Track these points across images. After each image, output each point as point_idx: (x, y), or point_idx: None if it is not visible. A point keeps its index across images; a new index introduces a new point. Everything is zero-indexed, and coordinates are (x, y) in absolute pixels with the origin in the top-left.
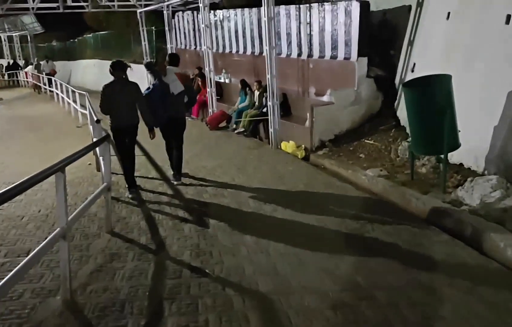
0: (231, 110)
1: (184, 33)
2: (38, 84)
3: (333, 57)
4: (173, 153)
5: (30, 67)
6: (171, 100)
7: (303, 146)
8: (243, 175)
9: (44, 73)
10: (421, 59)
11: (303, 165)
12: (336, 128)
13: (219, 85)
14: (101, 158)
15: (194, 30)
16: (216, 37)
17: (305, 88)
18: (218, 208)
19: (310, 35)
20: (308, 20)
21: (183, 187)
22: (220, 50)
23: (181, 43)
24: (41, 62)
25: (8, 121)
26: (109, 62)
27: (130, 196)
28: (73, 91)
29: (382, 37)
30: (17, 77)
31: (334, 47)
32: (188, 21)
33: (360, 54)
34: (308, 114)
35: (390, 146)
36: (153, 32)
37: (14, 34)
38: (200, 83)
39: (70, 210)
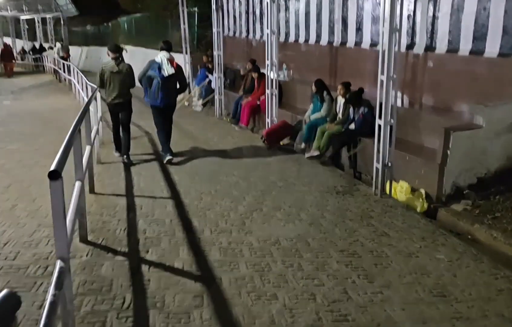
0: (298, 122)
1: (234, 16)
2: (57, 70)
3: (476, 51)
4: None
5: (50, 51)
6: (164, 82)
7: (422, 192)
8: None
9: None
10: None
11: (440, 239)
12: (481, 167)
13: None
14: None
15: (247, 13)
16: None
17: (416, 98)
18: None
19: (434, 17)
20: None
21: None
22: (281, 39)
23: (229, 29)
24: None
25: (5, 120)
26: (143, 50)
27: (116, 154)
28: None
29: None
30: (42, 61)
31: (480, 36)
32: (240, 2)
33: None
34: (435, 142)
35: None
36: (196, 14)
37: (47, 16)
38: (256, 81)
39: None
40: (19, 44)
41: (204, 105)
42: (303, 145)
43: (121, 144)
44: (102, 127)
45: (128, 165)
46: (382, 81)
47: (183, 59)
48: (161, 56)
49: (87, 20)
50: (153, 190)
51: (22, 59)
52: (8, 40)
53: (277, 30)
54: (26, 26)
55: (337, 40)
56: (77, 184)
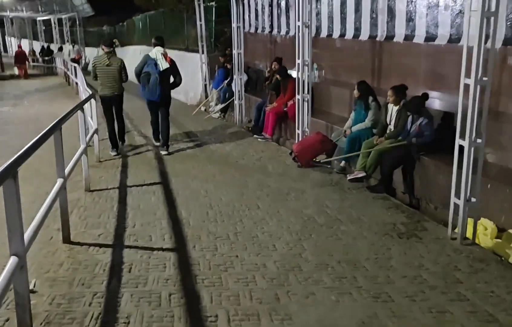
0: (337, 134)
1: (256, 10)
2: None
3: None
4: (160, 124)
5: (59, 52)
6: (161, 76)
7: None
8: None
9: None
10: None
11: None
12: None
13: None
14: None
15: (271, 5)
16: None
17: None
18: None
19: None
20: None
21: None
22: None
23: (250, 25)
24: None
25: None
26: None
27: (112, 154)
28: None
29: None
30: (52, 63)
31: None
32: None
33: None
34: None
35: None
36: (213, 9)
37: (63, 17)
38: (281, 83)
39: None
40: (36, 46)
41: (223, 111)
42: (343, 163)
43: (116, 140)
44: (97, 140)
45: (123, 188)
46: (466, 86)
47: (199, 59)
48: (155, 52)
49: (103, 20)
50: (151, 235)
51: (33, 61)
52: (25, 42)
53: (310, 22)
54: (43, 27)
55: (381, 33)
56: (58, 182)
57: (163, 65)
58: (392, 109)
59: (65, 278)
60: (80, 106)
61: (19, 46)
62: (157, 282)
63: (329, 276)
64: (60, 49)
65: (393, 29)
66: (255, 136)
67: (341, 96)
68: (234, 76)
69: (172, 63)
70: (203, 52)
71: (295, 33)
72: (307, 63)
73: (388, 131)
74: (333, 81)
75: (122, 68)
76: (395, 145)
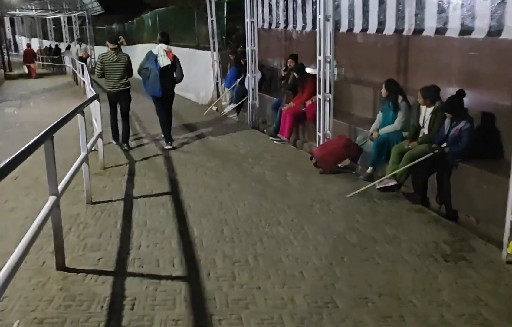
0: (362, 138)
1: (270, 5)
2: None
3: None
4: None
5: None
6: (161, 73)
7: None
8: None
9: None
10: None
11: None
12: None
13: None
14: None
15: (286, 0)
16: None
17: None
18: None
19: None
20: None
21: None
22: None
23: (263, 21)
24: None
25: None
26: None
27: (114, 142)
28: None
29: None
30: (60, 62)
31: None
32: None
33: None
34: None
35: None
36: (225, 5)
37: (72, 15)
38: (299, 82)
39: None
40: (46, 45)
41: (237, 111)
42: (369, 170)
43: (118, 133)
44: (102, 145)
45: (129, 203)
46: None
47: (210, 57)
48: (158, 48)
49: (113, 18)
50: (158, 259)
51: (41, 60)
52: (35, 41)
53: (332, 15)
54: (53, 26)
55: (408, 27)
56: (50, 200)
57: (164, 61)
58: (426, 111)
59: (55, 319)
60: (80, 109)
61: (28, 45)
62: (164, 324)
63: (371, 315)
64: (68, 47)
65: (422, 22)
66: (270, 138)
67: (363, 96)
68: (248, 74)
69: (174, 59)
70: (214, 50)
71: (312, 28)
72: (328, 59)
73: (421, 135)
74: (354, 79)
75: (129, 64)
76: (429, 150)
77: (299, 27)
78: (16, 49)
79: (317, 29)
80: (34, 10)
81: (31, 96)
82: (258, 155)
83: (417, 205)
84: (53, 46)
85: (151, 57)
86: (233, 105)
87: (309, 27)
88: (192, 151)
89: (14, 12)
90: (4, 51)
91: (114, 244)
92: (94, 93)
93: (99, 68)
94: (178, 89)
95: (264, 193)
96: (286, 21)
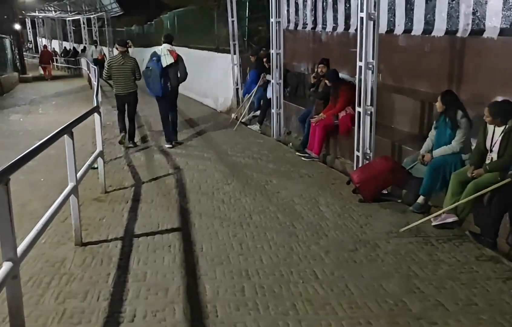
0: (411, 160)
1: (296, 4)
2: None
3: None
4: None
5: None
6: (165, 71)
7: None
8: None
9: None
10: None
11: None
12: None
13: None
14: None
15: None
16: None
17: None
18: None
19: None
20: None
21: None
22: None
23: (288, 21)
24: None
25: None
26: (185, 50)
27: (121, 134)
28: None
29: None
30: (77, 65)
31: None
32: None
33: None
34: None
35: None
36: (247, 4)
37: (92, 16)
38: (331, 90)
39: None
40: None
41: (260, 120)
42: (421, 199)
43: (126, 129)
44: (103, 165)
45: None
46: None
47: (230, 60)
48: (162, 48)
49: (133, 20)
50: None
51: (56, 62)
52: (55, 43)
53: (377, 13)
54: (73, 28)
55: (463, 27)
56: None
57: (168, 60)
58: (494, 131)
59: None
60: (67, 129)
61: (45, 47)
62: None
63: None
64: (84, 49)
65: (482, 22)
66: (297, 153)
67: (405, 107)
68: (271, 81)
69: (178, 59)
70: (235, 53)
71: (344, 29)
72: (371, 66)
73: (488, 160)
74: (395, 88)
75: (136, 67)
76: (501, 179)
77: (329, 28)
78: (37, 51)
79: (358, 30)
80: (53, 12)
81: (42, 100)
82: (284, 175)
83: (488, 250)
84: (69, 48)
85: (155, 57)
86: (252, 113)
87: (340, 28)
88: (207, 168)
89: (34, 14)
90: (15, 52)
91: (101, 311)
92: (96, 102)
93: (106, 71)
94: (196, 94)
95: (294, 231)
96: (315, 22)
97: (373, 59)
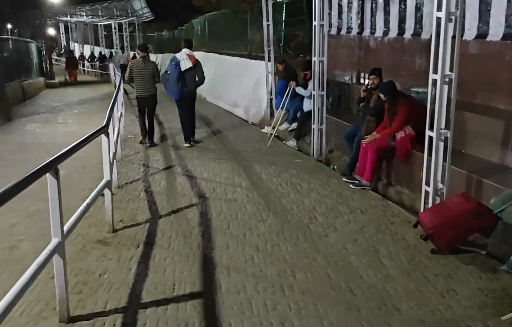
0: (500, 201)
1: (339, 6)
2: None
3: None
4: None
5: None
6: (183, 75)
7: None
8: None
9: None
10: None
11: None
12: None
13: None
14: None
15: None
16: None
17: None
18: None
19: None
20: None
21: None
22: (426, 35)
23: (330, 26)
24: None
25: None
26: (216, 56)
27: (141, 135)
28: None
29: None
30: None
31: None
32: None
33: None
34: None
35: None
36: (284, 6)
37: (123, 21)
38: (388, 105)
39: None
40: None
41: (297, 136)
42: None
43: (147, 132)
44: (111, 197)
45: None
46: None
47: (264, 68)
48: (181, 53)
49: (165, 25)
50: None
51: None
52: (87, 48)
53: (460, 13)
54: (104, 33)
55: None
56: None
57: (186, 64)
58: None
59: None
60: (51, 167)
61: (71, 52)
62: None
63: None
64: (111, 55)
65: None
66: (344, 179)
67: (482, 128)
68: (313, 92)
69: (196, 63)
70: (269, 60)
71: (397, 34)
72: (448, 80)
73: None
74: (466, 104)
75: (156, 71)
76: None
77: (378, 33)
78: None
79: (433, 34)
80: (85, 17)
81: (63, 108)
82: (332, 209)
83: None
84: (95, 54)
85: (174, 61)
86: (286, 125)
87: (393, 33)
88: (238, 198)
89: (66, 18)
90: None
91: None
92: (107, 119)
93: (127, 74)
94: (225, 103)
95: (353, 299)
96: (361, 26)
97: (451, 71)
